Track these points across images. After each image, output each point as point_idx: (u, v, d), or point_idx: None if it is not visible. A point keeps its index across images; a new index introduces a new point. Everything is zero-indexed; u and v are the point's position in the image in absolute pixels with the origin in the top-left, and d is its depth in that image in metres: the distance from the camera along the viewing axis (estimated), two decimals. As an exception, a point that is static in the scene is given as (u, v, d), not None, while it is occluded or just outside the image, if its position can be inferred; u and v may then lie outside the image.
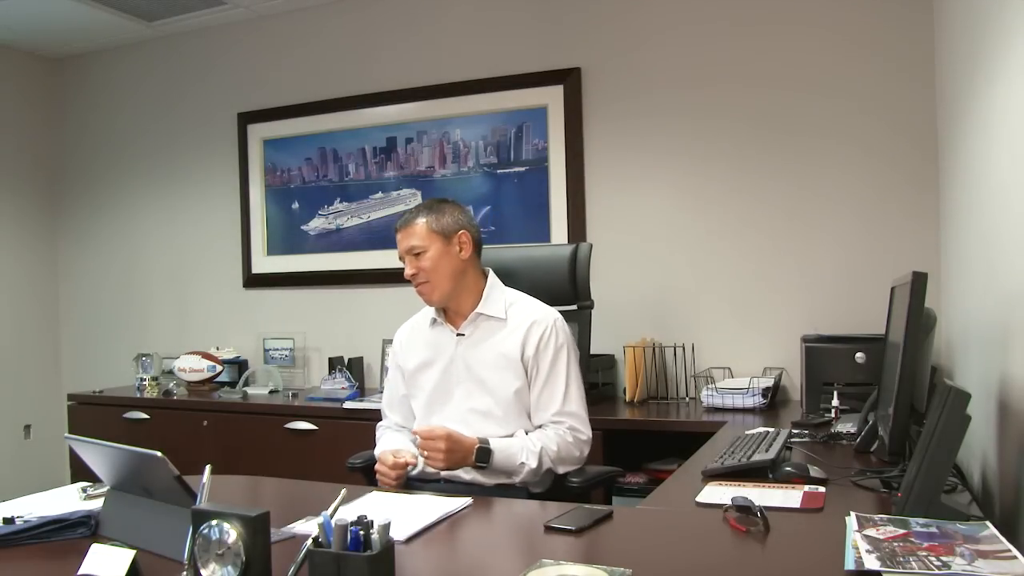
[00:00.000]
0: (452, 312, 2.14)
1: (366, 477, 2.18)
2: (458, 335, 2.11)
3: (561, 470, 2.04)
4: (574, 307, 2.44)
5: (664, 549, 1.41)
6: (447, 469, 1.94)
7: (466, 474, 1.99)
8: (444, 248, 2.06)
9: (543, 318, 2.09)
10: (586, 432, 2.09)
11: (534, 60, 3.53)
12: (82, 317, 4.68)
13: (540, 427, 2.06)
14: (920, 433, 1.51)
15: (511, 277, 2.29)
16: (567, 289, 2.44)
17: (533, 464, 1.98)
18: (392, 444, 2.11)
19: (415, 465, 1.98)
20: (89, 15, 4.01)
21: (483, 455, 1.95)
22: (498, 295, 2.13)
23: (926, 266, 1.80)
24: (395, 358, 2.24)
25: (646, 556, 1.35)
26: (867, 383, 2.40)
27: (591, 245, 2.48)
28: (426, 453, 1.93)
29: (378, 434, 2.27)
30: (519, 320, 2.09)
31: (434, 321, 2.16)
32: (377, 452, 2.13)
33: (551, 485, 2.05)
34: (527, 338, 2.06)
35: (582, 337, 2.40)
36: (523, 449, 1.99)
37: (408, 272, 2.08)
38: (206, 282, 4.31)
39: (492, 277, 2.17)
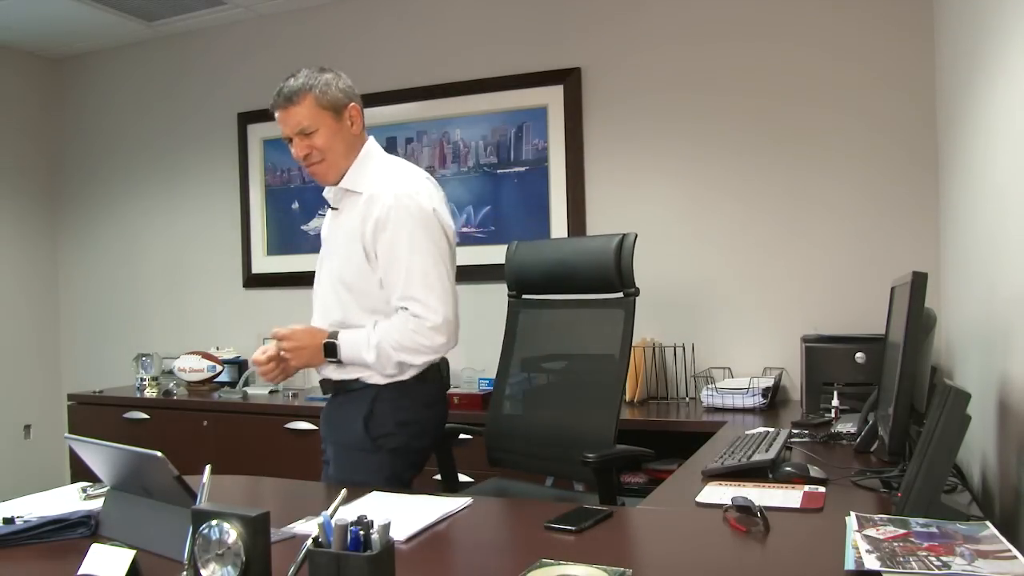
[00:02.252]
0: None
1: None
2: (332, 209, 2.06)
3: (413, 360, 1.93)
4: (620, 295, 2.40)
5: (664, 549, 1.42)
6: (302, 367, 1.98)
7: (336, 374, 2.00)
8: (335, 125, 1.94)
9: (382, 193, 1.92)
10: (432, 317, 1.89)
11: (534, 60, 3.53)
12: (82, 317, 4.68)
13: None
14: (920, 433, 1.51)
15: (563, 264, 2.45)
16: (613, 278, 2.41)
17: (371, 359, 1.91)
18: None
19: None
20: (89, 15, 4.01)
21: (330, 350, 1.94)
22: (368, 167, 2.00)
23: (926, 266, 1.80)
24: None
25: (646, 556, 1.36)
26: (867, 383, 2.40)
27: (636, 235, 2.41)
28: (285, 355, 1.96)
29: None
30: (367, 194, 1.95)
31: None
32: None
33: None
34: (366, 215, 1.93)
35: (627, 325, 2.31)
36: (366, 343, 1.92)
37: (299, 153, 1.95)
38: (206, 282, 4.31)
39: (367, 147, 2.04)
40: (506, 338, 2.59)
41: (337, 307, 2.00)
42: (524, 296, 2.62)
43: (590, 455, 2.01)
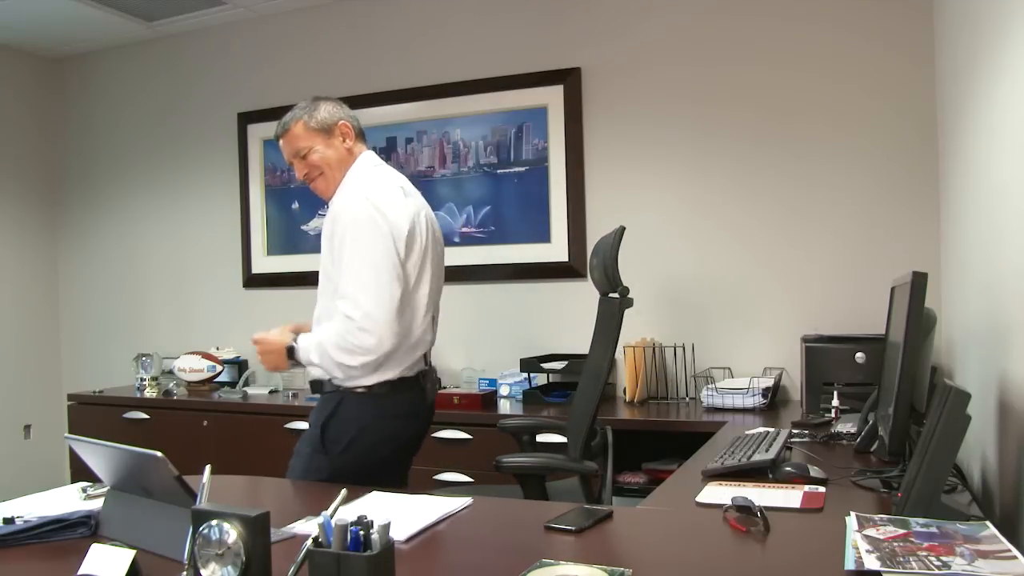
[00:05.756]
0: None
1: None
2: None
3: (348, 361, 1.92)
4: (616, 295, 2.36)
5: (664, 549, 1.41)
6: (272, 370, 2.09)
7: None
8: (327, 142, 2.07)
9: (336, 205, 2.00)
10: (359, 317, 1.88)
11: (534, 60, 3.53)
12: (82, 317, 4.68)
13: None
14: (920, 433, 1.51)
15: (600, 263, 2.39)
16: (610, 276, 2.36)
17: (316, 359, 1.98)
18: None
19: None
20: (89, 15, 4.01)
21: (290, 352, 2.04)
22: (347, 181, 2.07)
23: (926, 266, 1.80)
24: None
25: (646, 556, 1.36)
26: (867, 383, 2.40)
27: (623, 228, 2.34)
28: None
29: None
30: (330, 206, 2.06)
31: None
32: None
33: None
34: (329, 227, 2.01)
35: (615, 325, 2.24)
36: (315, 345, 1.98)
37: (300, 173, 2.11)
38: (206, 282, 4.31)
39: (358, 161, 2.11)
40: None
41: (324, 310, 2.07)
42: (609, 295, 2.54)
43: (505, 459, 2.03)
